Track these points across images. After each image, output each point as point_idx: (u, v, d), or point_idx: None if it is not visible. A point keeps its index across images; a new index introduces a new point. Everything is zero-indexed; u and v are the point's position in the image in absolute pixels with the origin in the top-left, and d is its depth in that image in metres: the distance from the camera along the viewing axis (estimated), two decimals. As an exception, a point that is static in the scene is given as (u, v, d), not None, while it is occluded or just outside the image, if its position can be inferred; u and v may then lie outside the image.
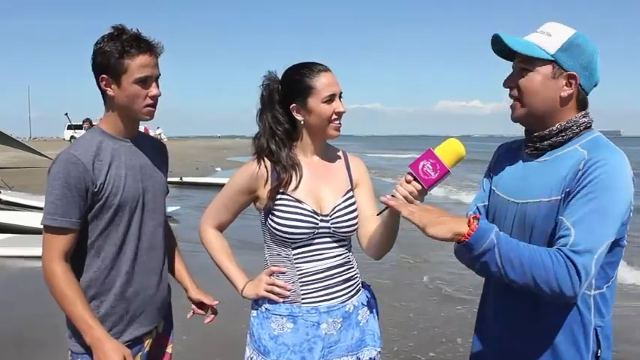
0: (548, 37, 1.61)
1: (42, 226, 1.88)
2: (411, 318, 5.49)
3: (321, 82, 1.95)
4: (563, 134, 1.63)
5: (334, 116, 1.97)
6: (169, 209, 11.00)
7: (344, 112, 1.99)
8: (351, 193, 2.05)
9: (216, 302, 2.28)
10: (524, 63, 1.63)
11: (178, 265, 2.30)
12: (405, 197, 1.71)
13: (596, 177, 1.49)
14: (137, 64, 1.87)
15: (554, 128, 1.64)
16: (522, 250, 1.47)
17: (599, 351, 1.61)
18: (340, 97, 2.00)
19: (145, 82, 1.90)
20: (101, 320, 1.91)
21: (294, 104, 1.98)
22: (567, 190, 1.54)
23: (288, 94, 1.99)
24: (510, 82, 1.67)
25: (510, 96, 1.69)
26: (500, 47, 1.66)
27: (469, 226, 1.50)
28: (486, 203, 1.84)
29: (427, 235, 1.52)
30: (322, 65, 2.00)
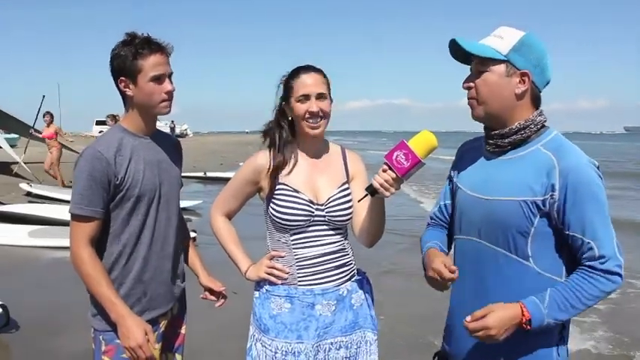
0: (501, 40, 1.73)
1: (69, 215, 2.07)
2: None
3: (297, 83, 2.13)
4: (522, 132, 1.73)
5: (307, 115, 2.11)
6: (192, 203, 11.24)
7: (316, 112, 2.11)
8: (346, 185, 2.20)
9: (223, 288, 2.43)
10: (480, 65, 1.74)
11: (191, 254, 2.47)
12: (382, 185, 1.85)
13: (580, 187, 1.63)
14: (150, 64, 2.05)
15: (514, 127, 1.73)
16: (573, 301, 1.63)
17: (563, 330, 1.77)
18: (320, 97, 2.12)
19: (159, 79, 2.07)
20: None
21: (284, 102, 2.17)
22: (546, 197, 1.65)
23: (283, 93, 2.19)
24: (468, 83, 1.78)
25: (468, 97, 1.80)
26: (457, 51, 1.78)
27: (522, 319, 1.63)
28: (449, 201, 1.99)
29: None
30: (306, 67, 2.16)
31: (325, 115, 2.13)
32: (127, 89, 2.09)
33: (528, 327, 1.62)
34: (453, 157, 2.02)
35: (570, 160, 1.66)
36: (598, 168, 1.70)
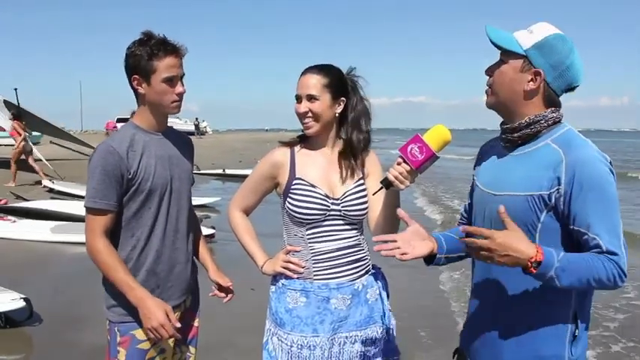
0: (530, 34, 1.72)
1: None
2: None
3: (297, 83, 2.18)
4: (532, 127, 1.72)
5: (301, 115, 2.17)
6: (211, 200, 11.34)
7: (304, 113, 2.15)
8: (362, 181, 2.22)
9: (230, 283, 2.48)
10: (503, 55, 1.76)
11: (201, 249, 2.52)
12: (396, 177, 1.88)
13: (585, 180, 1.60)
14: (164, 65, 2.10)
15: (524, 121, 1.73)
16: (581, 268, 1.59)
17: (577, 331, 1.71)
18: (310, 99, 2.14)
19: (171, 80, 2.13)
20: None
21: None
22: (552, 191, 1.63)
23: None
24: (489, 70, 1.80)
25: (487, 84, 1.81)
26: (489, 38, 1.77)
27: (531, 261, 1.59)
28: (470, 200, 1.99)
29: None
30: (309, 67, 2.20)
31: (315, 116, 2.15)
32: (140, 87, 2.14)
33: (532, 269, 1.58)
34: (470, 156, 2.04)
35: (578, 154, 1.64)
36: (610, 163, 1.67)
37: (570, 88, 1.75)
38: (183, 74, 2.19)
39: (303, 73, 2.19)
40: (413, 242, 1.82)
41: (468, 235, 1.66)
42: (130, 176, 2.11)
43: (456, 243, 1.92)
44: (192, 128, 50.03)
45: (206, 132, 52.35)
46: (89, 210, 2.11)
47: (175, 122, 42.47)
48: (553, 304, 1.70)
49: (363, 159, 2.27)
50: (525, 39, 1.72)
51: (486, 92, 1.82)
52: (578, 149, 1.66)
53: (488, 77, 1.81)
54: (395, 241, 1.80)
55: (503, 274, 1.75)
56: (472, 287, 1.96)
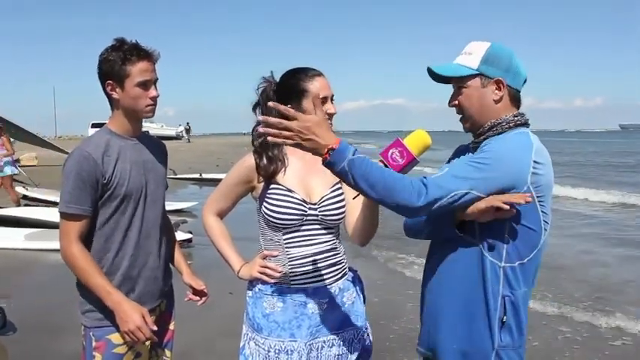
0: (470, 56, 1.89)
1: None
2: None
3: (315, 86, 2.15)
4: (494, 129, 1.88)
5: (329, 116, 2.16)
6: (188, 204, 11.30)
7: (334, 114, 2.18)
8: (339, 185, 2.23)
9: (204, 287, 2.50)
10: (458, 83, 1.91)
11: (176, 253, 2.54)
12: None
13: (489, 148, 1.80)
14: (138, 70, 2.12)
15: (486, 126, 1.89)
16: (375, 172, 1.72)
17: (505, 317, 1.83)
18: (332, 99, 2.19)
19: (145, 85, 2.15)
20: None
21: (289, 105, 2.18)
22: None
23: (283, 96, 2.17)
24: (452, 102, 1.95)
25: (458, 114, 1.96)
26: (436, 76, 1.93)
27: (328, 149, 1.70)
28: None
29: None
30: (316, 70, 2.20)
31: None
32: (114, 92, 2.15)
33: (326, 155, 1.69)
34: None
35: (502, 138, 1.84)
36: (536, 162, 1.76)
37: (524, 82, 1.93)
38: (157, 79, 2.21)
39: (319, 75, 2.19)
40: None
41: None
42: (104, 181, 2.11)
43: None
44: (170, 133, 49.69)
45: (183, 136, 51.99)
46: (63, 215, 2.11)
47: (151, 127, 42.08)
48: (480, 285, 1.83)
49: None
50: (470, 61, 1.88)
51: (461, 121, 1.96)
52: (507, 139, 1.83)
53: (455, 108, 1.95)
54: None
55: (443, 271, 1.93)
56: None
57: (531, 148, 1.78)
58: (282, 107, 1.75)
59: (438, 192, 1.71)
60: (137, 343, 2.14)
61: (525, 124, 1.91)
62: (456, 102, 1.92)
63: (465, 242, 1.84)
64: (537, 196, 1.76)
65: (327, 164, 1.72)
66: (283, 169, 2.19)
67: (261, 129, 1.77)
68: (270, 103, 1.82)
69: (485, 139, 1.89)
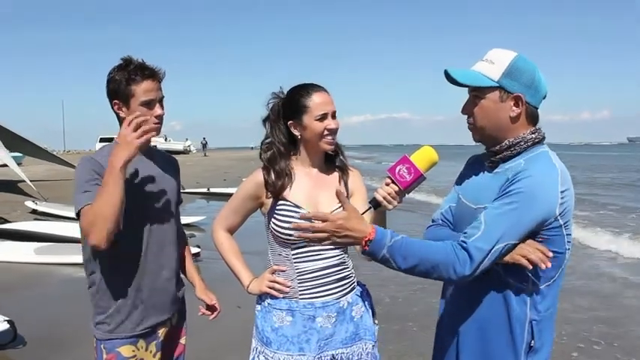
0: (492, 65, 1.79)
1: (77, 216, 2.06)
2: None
3: (314, 102, 2.18)
4: (512, 149, 1.80)
5: (325, 132, 2.19)
6: (196, 219, 11.31)
7: (335, 129, 2.21)
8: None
9: (214, 302, 2.53)
10: (475, 92, 1.82)
11: (189, 266, 2.57)
12: (385, 198, 1.91)
13: (519, 186, 1.68)
14: (142, 90, 2.16)
15: (504, 144, 1.81)
16: (415, 251, 1.68)
17: (533, 342, 1.77)
18: (334, 115, 2.22)
19: (149, 104, 2.19)
20: (117, 309, 2.18)
21: (291, 121, 2.23)
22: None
23: (287, 112, 2.23)
24: (466, 110, 1.87)
25: (467, 123, 1.88)
26: (451, 79, 1.82)
27: (365, 239, 1.69)
28: (455, 204, 2.03)
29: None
30: (318, 86, 2.24)
31: (336, 133, 2.23)
32: (121, 111, 2.20)
33: (365, 247, 1.68)
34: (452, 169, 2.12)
35: (532, 165, 1.73)
36: (564, 192, 1.70)
37: (543, 98, 1.84)
38: (162, 97, 2.25)
39: (320, 90, 2.22)
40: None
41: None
42: None
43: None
44: (178, 147, 49.92)
45: (190, 151, 52.25)
46: (84, 208, 2.04)
47: (159, 141, 42.32)
48: (506, 316, 1.77)
49: (347, 178, 2.32)
50: (491, 71, 1.78)
51: (470, 129, 1.89)
52: (537, 164, 1.74)
53: (467, 116, 1.88)
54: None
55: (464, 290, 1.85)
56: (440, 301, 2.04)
57: (557, 177, 1.71)
58: (309, 214, 1.77)
59: (481, 255, 1.66)
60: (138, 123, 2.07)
61: (542, 140, 1.83)
62: (470, 111, 1.85)
63: (488, 272, 1.75)
64: (563, 223, 1.72)
65: (367, 255, 1.71)
66: (290, 185, 2.23)
67: (295, 234, 1.79)
68: (301, 215, 1.86)
69: (502, 158, 1.83)
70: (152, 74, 2.20)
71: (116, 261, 2.19)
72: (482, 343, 1.81)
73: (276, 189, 2.21)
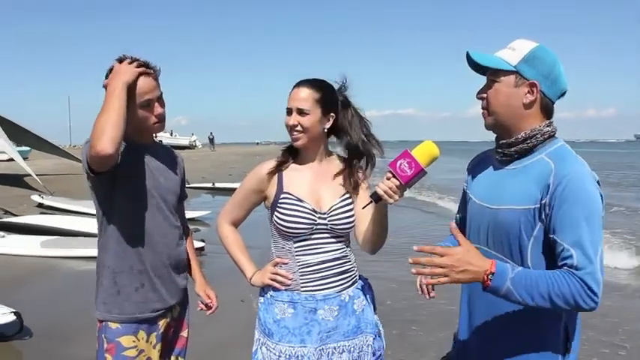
0: (513, 51, 1.78)
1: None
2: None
3: (289, 96, 2.24)
4: (528, 142, 1.77)
5: (288, 127, 2.23)
6: (201, 213, 11.36)
7: (293, 126, 2.21)
8: (348, 195, 2.27)
9: (210, 301, 2.58)
10: (492, 75, 1.81)
11: (192, 261, 2.59)
12: (386, 192, 1.91)
13: (571, 192, 1.63)
14: (138, 92, 2.17)
15: (520, 136, 1.78)
16: (539, 285, 1.61)
17: (569, 343, 1.77)
18: (300, 113, 2.20)
19: (148, 105, 2.21)
20: (118, 291, 2.23)
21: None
22: (542, 202, 1.67)
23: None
24: (481, 93, 1.85)
25: (481, 107, 1.86)
26: (473, 64, 1.83)
27: (485, 278, 1.64)
28: (464, 213, 2.03)
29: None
30: (302, 81, 2.25)
31: (304, 130, 2.20)
32: None
33: (487, 282, 1.64)
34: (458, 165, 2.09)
35: (568, 167, 1.68)
36: (598, 183, 1.70)
37: (562, 94, 1.82)
38: (160, 94, 2.26)
39: (296, 86, 2.23)
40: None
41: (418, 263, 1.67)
42: (117, 167, 2.13)
43: None
44: (184, 142, 50.03)
45: (195, 146, 52.31)
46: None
47: (164, 136, 42.42)
48: (543, 321, 1.75)
49: (350, 172, 2.32)
50: (511, 56, 1.78)
51: (483, 115, 1.86)
52: (570, 163, 1.71)
53: (481, 100, 1.86)
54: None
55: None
56: (461, 307, 2.00)
57: (594, 178, 1.70)
58: (427, 248, 1.68)
59: (600, 276, 1.61)
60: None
61: (555, 133, 1.81)
62: (484, 95, 1.83)
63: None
64: None
65: (490, 290, 1.65)
66: (294, 178, 2.25)
67: (413, 270, 1.71)
68: (417, 248, 1.69)
69: (517, 151, 1.80)
70: (147, 73, 2.20)
71: (122, 249, 2.23)
72: (516, 345, 1.78)
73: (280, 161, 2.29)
